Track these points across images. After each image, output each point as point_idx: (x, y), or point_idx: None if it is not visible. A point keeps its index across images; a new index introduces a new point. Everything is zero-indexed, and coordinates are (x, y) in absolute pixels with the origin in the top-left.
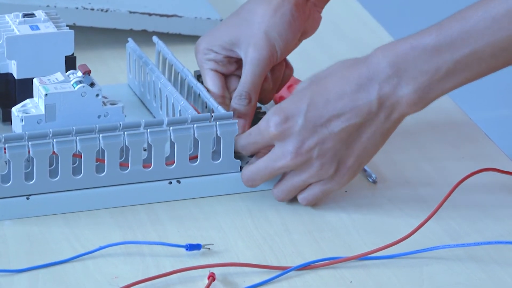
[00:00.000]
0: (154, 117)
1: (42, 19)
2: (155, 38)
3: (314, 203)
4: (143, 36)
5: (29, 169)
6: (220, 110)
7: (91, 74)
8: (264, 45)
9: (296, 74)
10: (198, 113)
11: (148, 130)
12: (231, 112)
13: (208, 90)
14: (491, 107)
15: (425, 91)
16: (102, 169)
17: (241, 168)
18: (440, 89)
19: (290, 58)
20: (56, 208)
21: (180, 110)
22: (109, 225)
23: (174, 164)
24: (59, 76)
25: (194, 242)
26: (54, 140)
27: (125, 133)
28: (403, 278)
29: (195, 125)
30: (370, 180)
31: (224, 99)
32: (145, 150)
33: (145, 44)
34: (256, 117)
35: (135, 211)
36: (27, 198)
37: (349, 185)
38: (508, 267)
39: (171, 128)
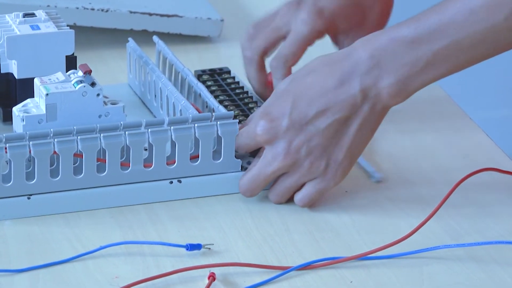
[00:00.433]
0: (155, 116)
1: (43, 19)
2: (155, 38)
3: (312, 204)
4: (144, 36)
5: (30, 169)
6: (221, 110)
7: (91, 74)
8: (311, 14)
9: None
10: (200, 112)
11: (149, 130)
12: (232, 112)
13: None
14: (491, 107)
15: (405, 83)
16: (103, 169)
17: (242, 167)
18: (420, 81)
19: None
20: (57, 208)
21: (180, 109)
22: (109, 225)
23: (175, 164)
24: (60, 75)
25: (195, 242)
26: (55, 140)
27: (126, 132)
28: (403, 278)
29: (196, 125)
30: (374, 180)
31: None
32: (146, 149)
33: (145, 44)
34: (248, 106)
35: (135, 211)
36: (28, 198)
37: (349, 185)
38: (508, 267)
39: (172, 127)
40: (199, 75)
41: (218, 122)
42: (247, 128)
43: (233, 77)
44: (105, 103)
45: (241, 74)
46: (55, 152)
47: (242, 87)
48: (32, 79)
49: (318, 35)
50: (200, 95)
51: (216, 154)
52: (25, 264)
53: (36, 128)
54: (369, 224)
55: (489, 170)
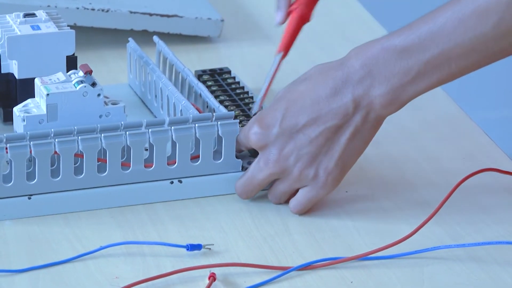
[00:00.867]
0: (155, 117)
1: (43, 19)
2: (155, 38)
3: (305, 211)
4: (144, 36)
5: (31, 169)
6: (221, 110)
7: (92, 74)
8: None
9: (296, 74)
10: (200, 112)
11: (150, 130)
12: (232, 112)
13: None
14: (491, 107)
15: (397, 92)
16: (103, 169)
17: (243, 167)
18: (413, 90)
19: (290, 58)
20: (57, 208)
21: (181, 110)
22: (110, 225)
23: (176, 164)
24: (60, 76)
25: (195, 242)
26: (56, 140)
27: (127, 133)
28: (404, 278)
29: (196, 125)
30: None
31: None
32: (146, 150)
33: (145, 44)
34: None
35: (136, 211)
36: (29, 198)
37: (349, 186)
38: (508, 267)
39: (172, 128)
40: (200, 75)
41: (219, 122)
42: (243, 128)
43: (234, 77)
44: (105, 103)
45: (241, 74)
46: (55, 152)
47: (243, 87)
48: (33, 79)
49: None
50: (200, 95)
51: (217, 154)
52: (26, 264)
53: (36, 128)
54: (369, 224)
55: (489, 171)
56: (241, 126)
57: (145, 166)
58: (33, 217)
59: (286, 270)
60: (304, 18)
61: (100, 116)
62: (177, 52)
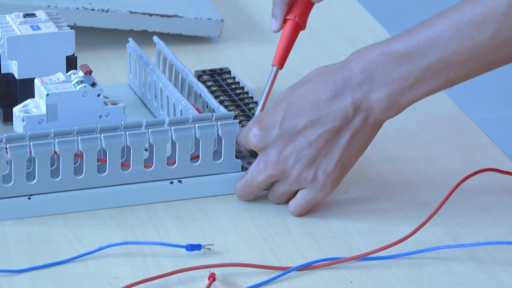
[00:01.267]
0: (155, 117)
1: (43, 19)
2: (155, 38)
3: (304, 213)
4: (144, 36)
5: (31, 169)
6: (221, 110)
7: (92, 74)
8: None
9: (296, 75)
10: (200, 112)
11: (150, 130)
12: (232, 112)
13: None
14: (491, 107)
15: (396, 97)
16: (103, 169)
17: (243, 168)
18: (411, 96)
19: (290, 58)
20: (57, 208)
21: (181, 110)
22: (109, 225)
23: (175, 164)
24: (60, 76)
25: (195, 242)
26: (56, 140)
27: (127, 133)
28: (404, 278)
29: (196, 125)
30: None
31: None
32: (146, 150)
33: (145, 44)
34: (248, 106)
35: (135, 211)
36: (29, 198)
37: (349, 186)
38: (508, 267)
39: (172, 128)
40: (199, 75)
41: (219, 123)
42: (243, 129)
43: (233, 77)
44: (105, 103)
45: (241, 74)
46: (55, 152)
47: (243, 87)
48: (33, 79)
49: None
50: (200, 95)
51: (217, 154)
52: (25, 264)
53: (36, 128)
54: (369, 224)
55: (489, 171)
56: (241, 126)
57: (145, 166)
58: (33, 217)
59: (286, 270)
60: (299, 27)
61: (100, 116)
62: (177, 52)
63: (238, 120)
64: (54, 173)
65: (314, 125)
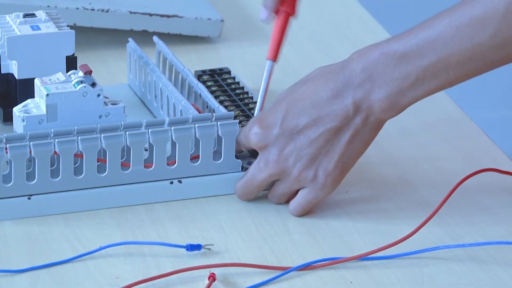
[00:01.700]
0: (155, 117)
1: (43, 19)
2: (155, 38)
3: (305, 213)
4: (144, 37)
5: (31, 169)
6: (221, 110)
7: (92, 74)
8: None
9: (296, 75)
10: (200, 112)
11: (150, 130)
12: (232, 112)
13: None
14: (491, 107)
15: (397, 97)
16: (103, 169)
17: (243, 168)
18: (412, 95)
19: (291, 58)
20: (57, 208)
21: (181, 110)
22: (109, 225)
23: (175, 164)
24: (60, 76)
25: (195, 242)
26: (56, 140)
27: (127, 133)
28: (404, 278)
29: (196, 125)
30: None
31: None
32: (146, 150)
33: (145, 45)
34: (248, 107)
35: (135, 211)
36: (29, 198)
37: (349, 186)
38: (508, 267)
39: (172, 128)
40: (199, 76)
41: (219, 123)
42: (243, 128)
43: (233, 77)
44: (105, 103)
45: (241, 74)
46: (55, 152)
47: (242, 87)
48: (33, 79)
49: None
50: (200, 95)
51: (217, 154)
52: (25, 265)
53: (36, 129)
54: (369, 224)
55: (489, 171)
56: (241, 126)
57: (145, 166)
58: (33, 217)
59: (286, 270)
60: (290, 17)
61: (100, 116)
62: (177, 52)
63: (238, 120)
64: (54, 173)
65: (315, 124)
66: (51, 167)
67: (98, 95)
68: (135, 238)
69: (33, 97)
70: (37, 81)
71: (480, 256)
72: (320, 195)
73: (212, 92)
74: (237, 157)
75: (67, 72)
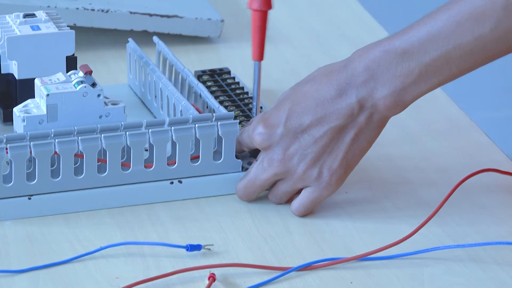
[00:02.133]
0: (155, 117)
1: (43, 19)
2: (155, 38)
3: (308, 213)
4: (144, 37)
5: (31, 169)
6: (221, 111)
7: (92, 74)
8: None
9: (296, 75)
10: (200, 112)
11: (150, 130)
12: (232, 113)
13: None
14: (491, 107)
15: (400, 94)
16: (103, 169)
17: (243, 168)
18: (415, 91)
19: (291, 58)
20: (57, 208)
21: (181, 110)
22: (109, 225)
23: (176, 164)
24: (60, 76)
25: (195, 242)
26: (56, 140)
27: (127, 133)
28: (404, 278)
29: (196, 125)
30: None
31: None
32: (146, 150)
33: (145, 45)
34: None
35: (135, 211)
36: (29, 198)
37: (349, 186)
38: (508, 267)
39: (172, 128)
40: (199, 76)
41: (219, 123)
42: (247, 128)
43: (233, 78)
44: (105, 103)
45: (241, 74)
46: (56, 152)
47: (242, 88)
48: (33, 79)
49: None
50: (200, 95)
51: (217, 154)
52: (25, 265)
53: (37, 129)
54: (369, 224)
55: (489, 171)
56: (241, 126)
57: (145, 167)
58: (33, 218)
59: (286, 270)
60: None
61: (100, 117)
62: (177, 53)
63: (238, 120)
64: (55, 173)
65: (319, 123)
66: (51, 167)
67: (98, 95)
68: (135, 238)
69: (33, 97)
70: (37, 81)
71: (480, 256)
72: (324, 194)
73: (212, 92)
74: (237, 157)
75: (67, 72)
